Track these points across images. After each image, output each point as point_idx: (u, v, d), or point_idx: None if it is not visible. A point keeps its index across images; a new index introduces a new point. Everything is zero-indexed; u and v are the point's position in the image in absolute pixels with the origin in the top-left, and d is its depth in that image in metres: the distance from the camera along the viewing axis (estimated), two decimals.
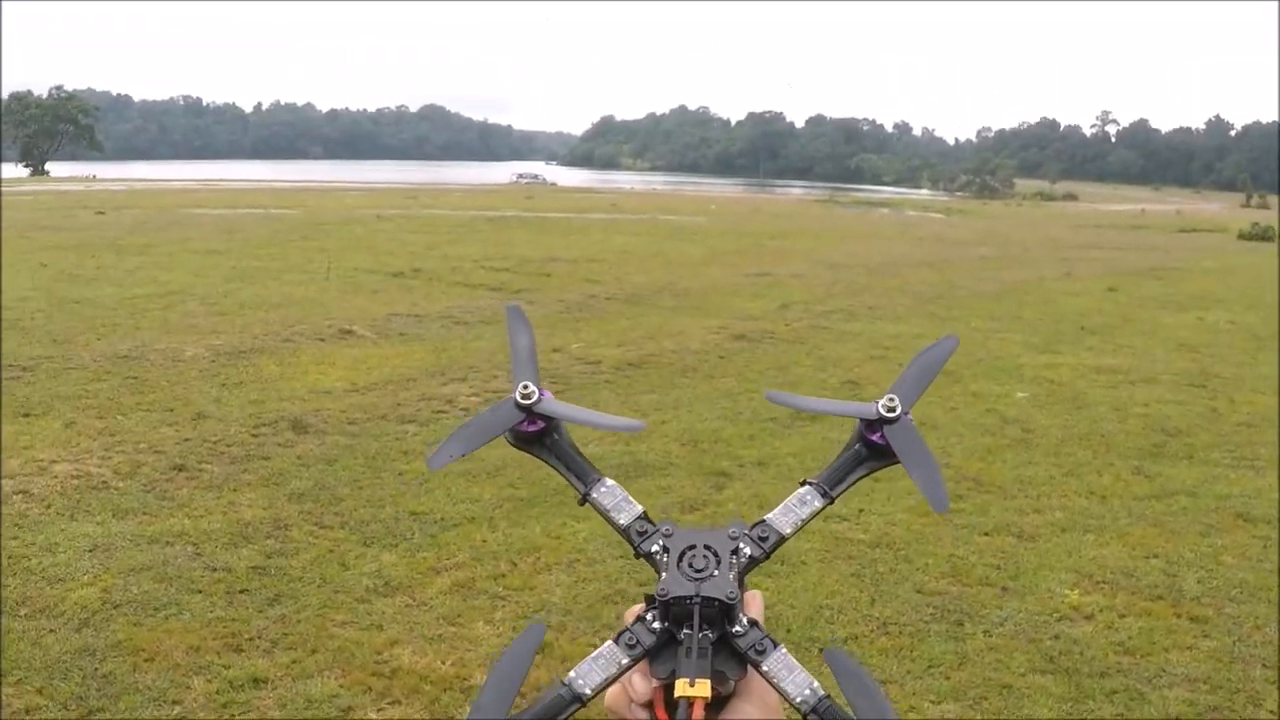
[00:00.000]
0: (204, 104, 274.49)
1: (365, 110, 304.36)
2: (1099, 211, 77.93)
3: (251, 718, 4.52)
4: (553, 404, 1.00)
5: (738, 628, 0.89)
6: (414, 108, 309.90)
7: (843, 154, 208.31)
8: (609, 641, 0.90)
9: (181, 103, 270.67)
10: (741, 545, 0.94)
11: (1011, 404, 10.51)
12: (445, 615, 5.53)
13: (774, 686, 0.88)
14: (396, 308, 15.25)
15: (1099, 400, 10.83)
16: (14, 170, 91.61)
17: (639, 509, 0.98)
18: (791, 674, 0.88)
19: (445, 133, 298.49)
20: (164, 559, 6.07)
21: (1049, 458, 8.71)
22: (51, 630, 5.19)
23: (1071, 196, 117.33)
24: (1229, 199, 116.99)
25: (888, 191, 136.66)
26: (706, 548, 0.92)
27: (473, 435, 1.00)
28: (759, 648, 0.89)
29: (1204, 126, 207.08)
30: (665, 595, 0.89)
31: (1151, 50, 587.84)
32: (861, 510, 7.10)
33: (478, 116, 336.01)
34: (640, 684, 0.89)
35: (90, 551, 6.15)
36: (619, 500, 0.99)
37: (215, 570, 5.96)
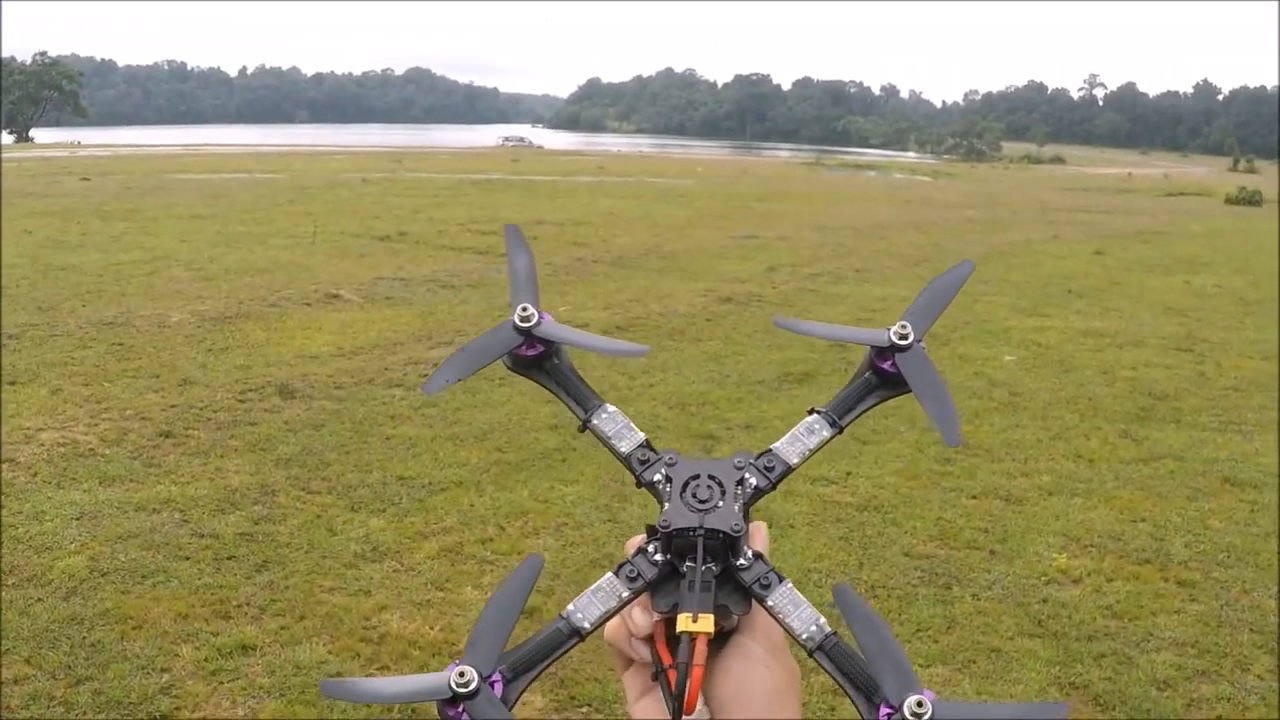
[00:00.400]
0: (188, 68, 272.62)
1: (350, 74, 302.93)
2: (1086, 175, 77.95)
3: (240, 684, 4.52)
4: (553, 327, 0.94)
5: (742, 561, 0.86)
6: (399, 70, 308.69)
7: (830, 116, 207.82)
8: (609, 574, 0.87)
9: (166, 67, 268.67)
10: (747, 476, 0.90)
11: (999, 367, 10.52)
12: (433, 580, 5.54)
13: (779, 622, 0.85)
14: (383, 272, 15.17)
15: (1086, 364, 10.85)
16: None
17: (641, 436, 0.93)
18: (798, 609, 0.84)
19: (431, 95, 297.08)
20: (151, 526, 6.06)
21: (1036, 421, 8.72)
22: (39, 599, 5.17)
23: (1059, 159, 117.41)
24: (1216, 163, 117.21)
25: (874, 154, 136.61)
26: (711, 478, 0.88)
27: (469, 359, 0.94)
28: (764, 582, 0.85)
29: (1192, 90, 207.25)
30: (668, 527, 0.85)
31: (1140, 14, 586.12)
32: (849, 473, 7.11)
33: (463, 79, 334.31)
34: (641, 617, 0.86)
35: (77, 519, 6.12)
36: (620, 427, 0.94)
37: (203, 537, 5.95)
